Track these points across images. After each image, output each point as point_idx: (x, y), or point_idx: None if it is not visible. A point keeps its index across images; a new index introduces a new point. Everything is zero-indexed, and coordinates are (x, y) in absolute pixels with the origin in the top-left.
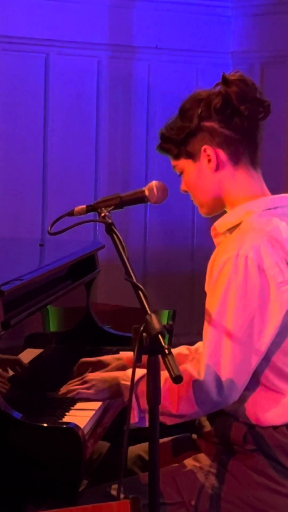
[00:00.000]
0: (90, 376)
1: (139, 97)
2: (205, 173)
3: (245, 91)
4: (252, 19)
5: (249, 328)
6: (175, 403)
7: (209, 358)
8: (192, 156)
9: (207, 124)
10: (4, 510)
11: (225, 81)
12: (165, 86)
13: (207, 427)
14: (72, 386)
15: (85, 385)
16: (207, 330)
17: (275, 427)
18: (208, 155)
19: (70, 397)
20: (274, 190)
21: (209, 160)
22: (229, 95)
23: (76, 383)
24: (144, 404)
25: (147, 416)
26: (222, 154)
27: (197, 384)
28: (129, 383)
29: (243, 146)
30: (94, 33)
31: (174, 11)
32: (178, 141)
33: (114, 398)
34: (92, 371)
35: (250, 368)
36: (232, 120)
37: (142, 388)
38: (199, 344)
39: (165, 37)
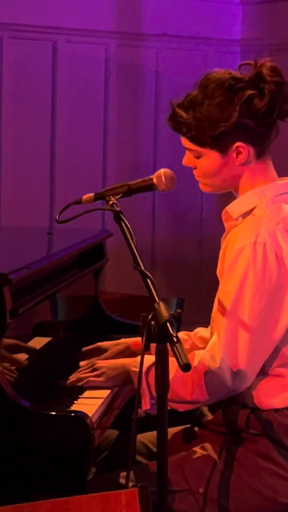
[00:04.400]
0: (99, 363)
1: (147, 85)
2: (229, 165)
3: (284, 93)
4: (260, 6)
5: (266, 317)
6: (189, 390)
7: (225, 346)
8: (221, 149)
9: (244, 121)
10: (13, 498)
11: (263, 79)
12: (173, 74)
13: (209, 416)
14: (81, 374)
15: (94, 373)
16: (222, 319)
17: (276, 410)
18: (240, 151)
19: (79, 385)
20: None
21: (237, 155)
22: (273, 99)
23: (85, 370)
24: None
25: None
26: (252, 150)
27: (212, 372)
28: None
29: (269, 140)
30: (102, 21)
31: None
32: (209, 135)
33: (124, 385)
34: (92, 357)
35: (265, 355)
36: (270, 120)
37: (154, 375)
38: (198, 329)
39: (173, 25)
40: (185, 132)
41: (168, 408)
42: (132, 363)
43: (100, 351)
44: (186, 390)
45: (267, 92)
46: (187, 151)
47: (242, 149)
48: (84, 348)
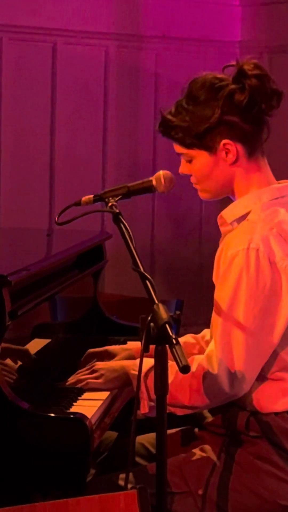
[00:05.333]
0: (99, 365)
1: (147, 87)
2: (220, 165)
3: (266, 86)
4: (260, 8)
5: (261, 321)
6: (187, 395)
7: (222, 352)
8: (209, 148)
9: (228, 118)
10: (12, 499)
11: (244, 74)
12: (173, 76)
13: (209, 417)
14: (81, 376)
15: (94, 375)
16: (218, 324)
17: (276, 413)
18: (228, 149)
19: (78, 387)
20: (279, 178)
21: (227, 153)
22: (253, 92)
23: (84, 372)
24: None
25: None
26: (241, 148)
27: (210, 377)
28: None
29: (259, 138)
30: (101, 23)
31: (181, 0)
32: (194, 134)
33: (123, 387)
34: (98, 361)
35: (263, 361)
36: (254, 115)
37: (152, 378)
38: (205, 331)
39: (173, 26)
40: (173, 135)
41: (167, 411)
42: (131, 365)
43: (108, 355)
44: (185, 395)
45: (247, 86)
46: (182, 159)
47: (230, 147)
48: (91, 350)
